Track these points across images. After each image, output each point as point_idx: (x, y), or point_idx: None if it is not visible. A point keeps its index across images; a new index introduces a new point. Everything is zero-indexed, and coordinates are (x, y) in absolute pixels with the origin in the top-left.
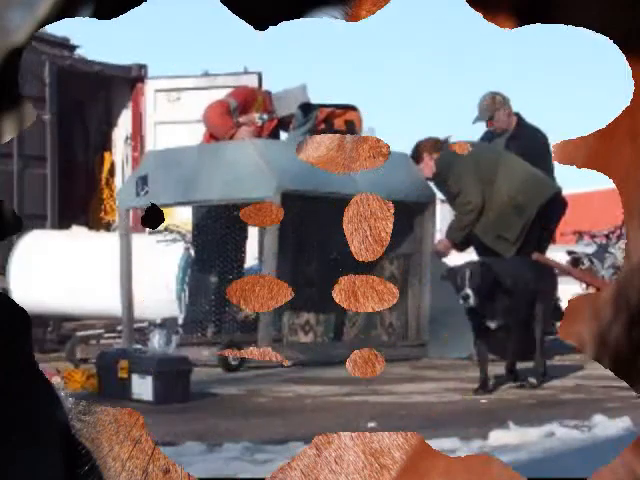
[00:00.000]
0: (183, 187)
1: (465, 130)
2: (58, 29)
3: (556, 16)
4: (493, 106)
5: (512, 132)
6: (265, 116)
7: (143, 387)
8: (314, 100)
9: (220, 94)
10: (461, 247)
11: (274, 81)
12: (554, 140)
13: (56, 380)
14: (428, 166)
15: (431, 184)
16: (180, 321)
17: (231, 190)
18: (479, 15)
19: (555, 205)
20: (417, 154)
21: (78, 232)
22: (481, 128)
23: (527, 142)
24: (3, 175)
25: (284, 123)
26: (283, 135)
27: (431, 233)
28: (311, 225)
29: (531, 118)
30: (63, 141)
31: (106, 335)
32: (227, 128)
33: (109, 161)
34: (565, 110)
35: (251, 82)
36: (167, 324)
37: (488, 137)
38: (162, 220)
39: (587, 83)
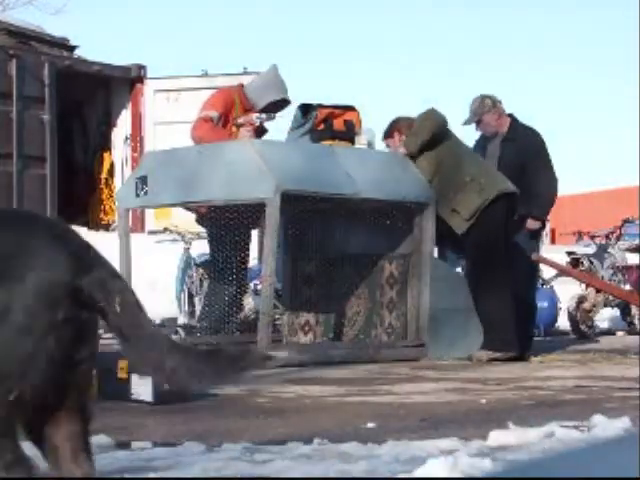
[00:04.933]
0: (182, 187)
1: (459, 132)
2: (57, 29)
3: None
4: (481, 109)
5: (506, 134)
6: (264, 115)
7: (142, 387)
8: (313, 100)
9: None
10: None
11: None
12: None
13: None
14: (395, 144)
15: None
16: (179, 321)
17: (231, 190)
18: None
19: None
20: (389, 130)
21: (78, 232)
22: (473, 129)
23: (522, 143)
24: (3, 175)
25: (267, 111)
26: (271, 127)
27: (430, 233)
28: (310, 225)
29: (526, 118)
30: (62, 142)
31: (105, 335)
32: (225, 138)
33: (108, 161)
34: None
35: None
36: (166, 325)
37: (482, 140)
38: None
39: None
